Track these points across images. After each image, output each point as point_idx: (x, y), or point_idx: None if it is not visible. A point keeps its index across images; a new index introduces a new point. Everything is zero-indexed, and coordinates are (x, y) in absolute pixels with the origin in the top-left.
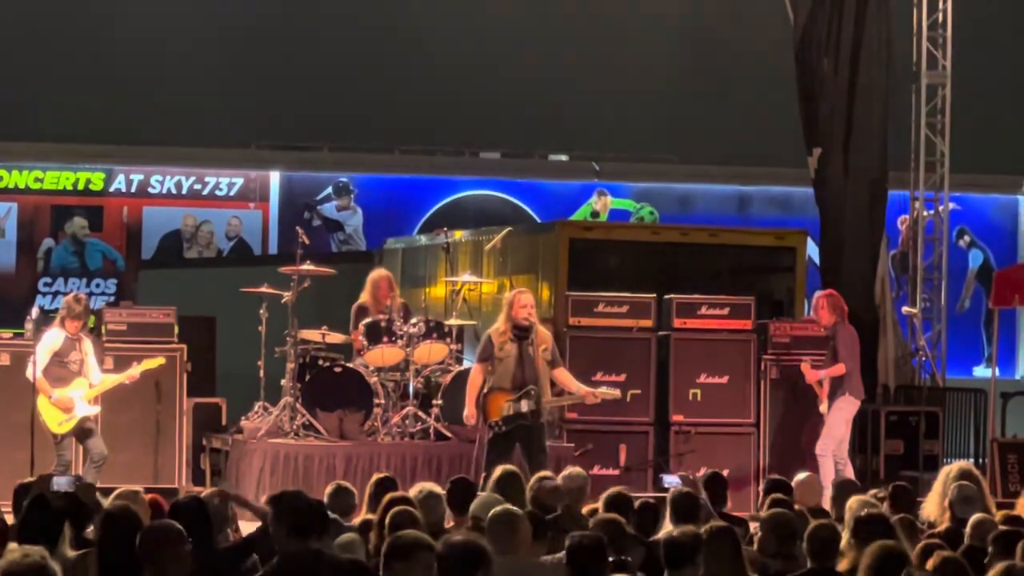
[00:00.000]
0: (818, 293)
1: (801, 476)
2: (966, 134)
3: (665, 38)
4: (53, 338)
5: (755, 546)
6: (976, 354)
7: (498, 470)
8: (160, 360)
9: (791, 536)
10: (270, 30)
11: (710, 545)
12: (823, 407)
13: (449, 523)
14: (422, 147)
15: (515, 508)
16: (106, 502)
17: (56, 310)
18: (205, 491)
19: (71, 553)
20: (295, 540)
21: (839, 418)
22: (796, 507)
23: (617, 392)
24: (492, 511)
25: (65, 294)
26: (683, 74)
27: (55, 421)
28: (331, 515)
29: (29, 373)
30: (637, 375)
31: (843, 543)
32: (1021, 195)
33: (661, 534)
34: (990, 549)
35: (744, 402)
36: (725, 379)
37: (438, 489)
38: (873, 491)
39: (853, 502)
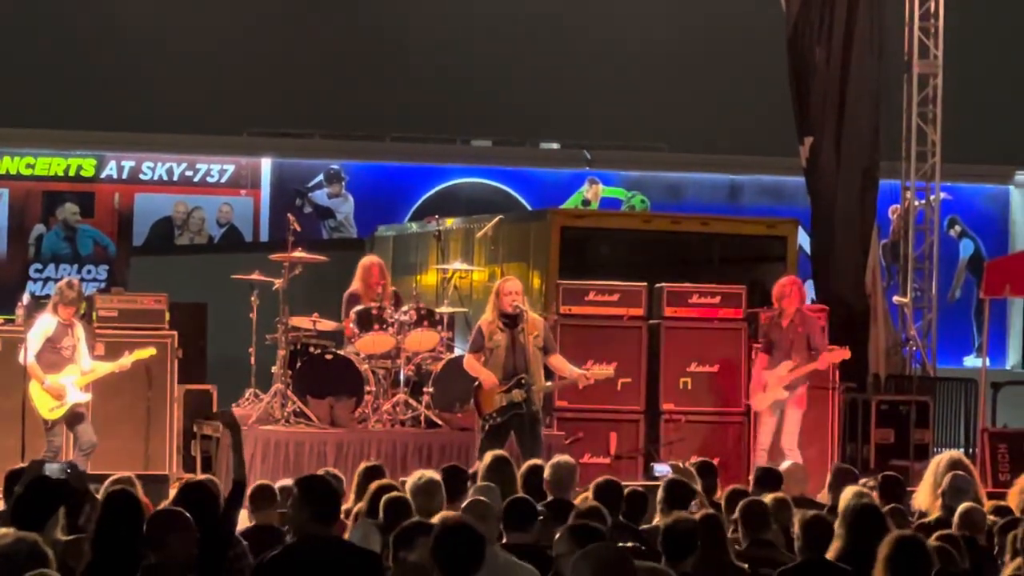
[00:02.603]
0: (786, 279)
1: (785, 464)
2: (957, 124)
3: (656, 27)
4: (46, 324)
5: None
6: (967, 344)
7: (488, 456)
8: (151, 351)
9: (763, 523)
10: (262, 17)
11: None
12: (762, 398)
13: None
14: (414, 135)
15: (485, 499)
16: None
17: (47, 296)
18: (200, 476)
19: (63, 538)
20: (318, 525)
21: (801, 411)
22: (779, 496)
23: (610, 371)
24: (465, 505)
25: (56, 280)
26: (674, 63)
27: (46, 407)
28: None
29: (21, 358)
30: (628, 363)
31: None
32: (1012, 185)
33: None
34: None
35: (735, 391)
36: (716, 368)
37: (437, 476)
38: (864, 480)
39: (848, 493)
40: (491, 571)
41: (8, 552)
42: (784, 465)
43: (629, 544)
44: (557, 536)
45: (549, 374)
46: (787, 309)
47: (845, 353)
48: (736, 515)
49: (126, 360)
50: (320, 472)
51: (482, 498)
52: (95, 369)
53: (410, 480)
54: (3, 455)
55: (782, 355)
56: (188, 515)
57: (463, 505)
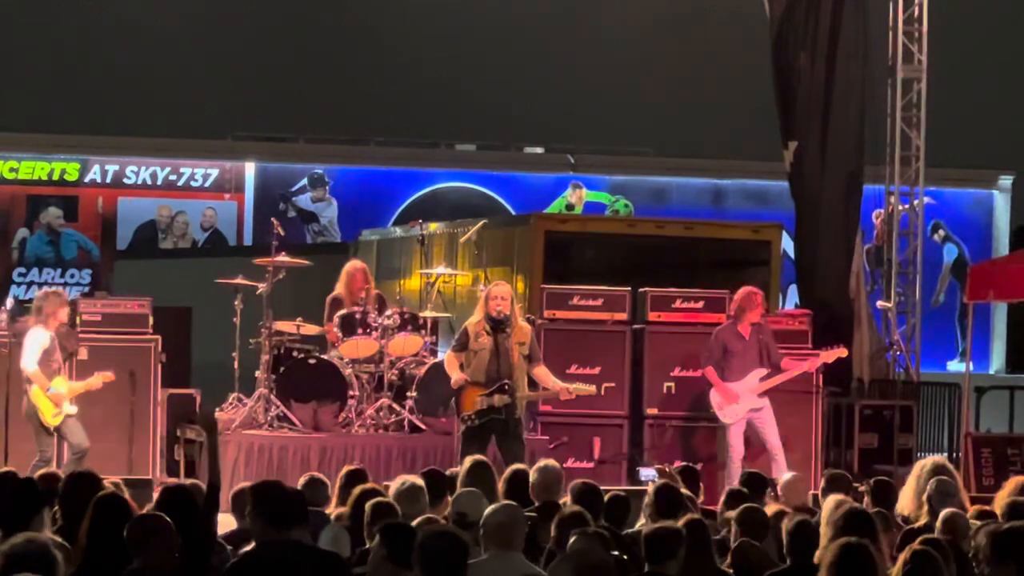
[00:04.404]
0: (750, 289)
1: (787, 476)
2: (941, 128)
3: (641, 32)
4: (42, 338)
5: (732, 539)
6: (950, 348)
7: (468, 461)
8: (109, 376)
9: (761, 530)
10: (247, 22)
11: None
12: (737, 409)
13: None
14: (398, 139)
15: (515, 504)
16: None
17: (31, 300)
18: (187, 480)
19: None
20: (273, 530)
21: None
22: (775, 505)
23: (592, 388)
24: (493, 510)
25: (40, 284)
26: (659, 67)
27: (49, 413)
28: (313, 508)
29: (25, 364)
30: (612, 368)
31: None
32: (996, 190)
33: (636, 527)
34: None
35: None
36: (700, 372)
37: (420, 481)
38: (855, 485)
39: (831, 501)
40: None
41: (16, 552)
42: (785, 477)
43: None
44: (572, 539)
45: (533, 383)
46: (751, 319)
47: (842, 351)
48: (733, 522)
49: (95, 379)
50: (304, 476)
51: (511, 503)
52: (73, 387)
53: (393, 485)
54: None
55: (745, 364)
56: (168, 519)
57: (488, 510)
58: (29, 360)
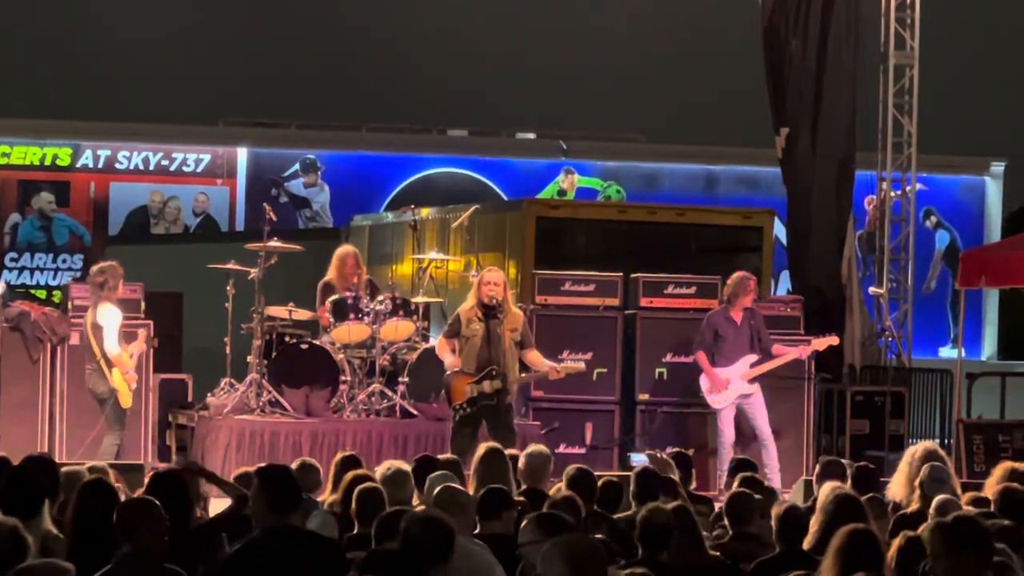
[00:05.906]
0: (743, 275)
1: (824, 460)
2: (933, 115)
3: (633, 17)
4: (118, 316)
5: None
6: (942, 335)
7: (482, 448)
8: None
9: (748, 516)
10: (238, 7)
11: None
12: (726, 396)
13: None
14: (390, 124)
15: (459, 487)
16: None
17: (23, 285)
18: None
19: (52, 531)
20: (274, 515)
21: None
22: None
23: (581, 365)
24: (436, 491)
25: (32, 269)
26: (651, 53)
27: (127, 395)
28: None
29: (110, 347)
30: (603, 354)
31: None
32: (988, 176)
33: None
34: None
35: None
36: (692, 358)
37: (406, 466)
38: None
39: (827, 488)
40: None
41: None
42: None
43: (599, 536)
44: (523, 525)
45: (524, 367)
46: (743, 304)
47: (834, 340)
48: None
49: (141, 341)
50: (296, 462)
51: (455, 485)
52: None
53: (379, 470)
54: None
55: (736, 350)
56: (158, 504)
57: (435, 493)
58: (113, 343)
